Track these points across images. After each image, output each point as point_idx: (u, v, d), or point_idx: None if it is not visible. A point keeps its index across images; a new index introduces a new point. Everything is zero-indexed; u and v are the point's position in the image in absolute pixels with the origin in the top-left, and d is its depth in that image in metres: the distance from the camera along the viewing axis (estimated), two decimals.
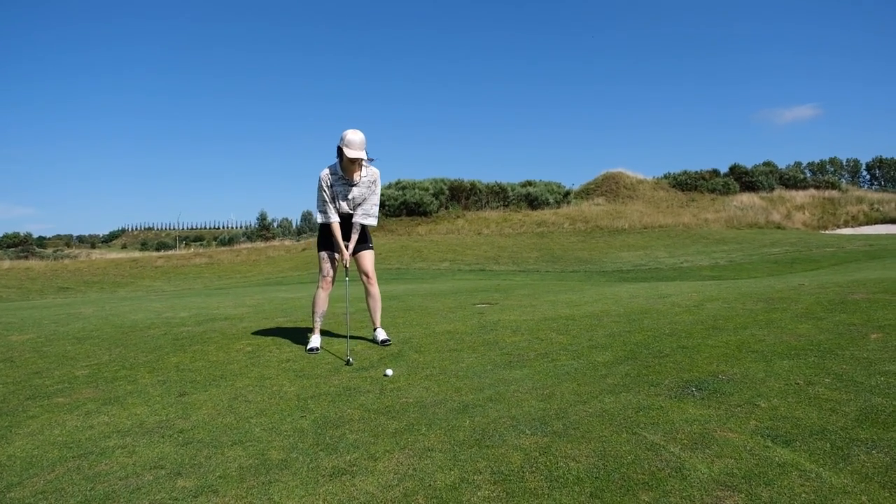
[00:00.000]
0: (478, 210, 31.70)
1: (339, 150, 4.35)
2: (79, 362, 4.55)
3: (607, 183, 36.29)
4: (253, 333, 5.34)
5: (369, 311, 4.80)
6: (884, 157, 78.02)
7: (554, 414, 2.91)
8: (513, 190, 33.12)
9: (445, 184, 32.04)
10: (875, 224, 30.19)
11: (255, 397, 3.52)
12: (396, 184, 31.29)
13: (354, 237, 4.58)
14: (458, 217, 30.20)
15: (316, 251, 4.79)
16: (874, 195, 36.51)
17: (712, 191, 35.94)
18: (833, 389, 2.93)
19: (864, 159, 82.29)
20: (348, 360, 4.16)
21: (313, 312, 4.73)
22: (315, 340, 4.63)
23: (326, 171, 4.47)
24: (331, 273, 4.67)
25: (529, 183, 34.46)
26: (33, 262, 27.58)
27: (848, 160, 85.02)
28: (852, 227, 30.20)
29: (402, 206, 30.00)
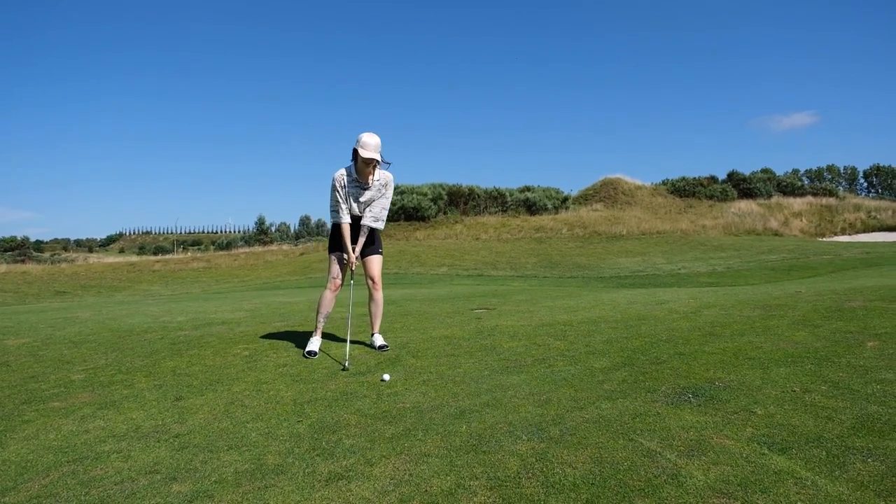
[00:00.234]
0: (476, 215, 31.73)
1: (355, 152, 4.36)
2: (75, 366, 4.54)
3: (605, 189, 36.37)
4: (250, 338, 5.33)
5: (370, 315, 4.80)
6: (881, 164, 78.18)
7: (551, 420, 2.91)
8: (511, 195, 33.17)
9: (444, 189, 32.08)
10: (872, 232, 30.26)
11: (252, 402, 3.52)
12: (395, 189, 31.30)
13: (362, 240, 4.59)
14: (457, 222, 30.22)
15: (327, 253, 4.78)
16: (872, 203, 36.62)
17: (710, 197, 36.03)
18: (829, 397, 2.93)
19: (862, 167, 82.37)
20: (345, 365, 4.13)
21: (318, 312, 4.71)
22: (315, 343, 4.61)
23: (342, 171, 4.47)
24: (340, 275, 4.66)
25: (528, 188, 34.52)
26: (30, 266, 27.53)
27: (845, 168, 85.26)
28: (849, 234, 30.29)
29: (400, 210, 30.02)
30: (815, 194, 38.07)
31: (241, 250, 31.47)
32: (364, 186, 4.50)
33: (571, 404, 3.12)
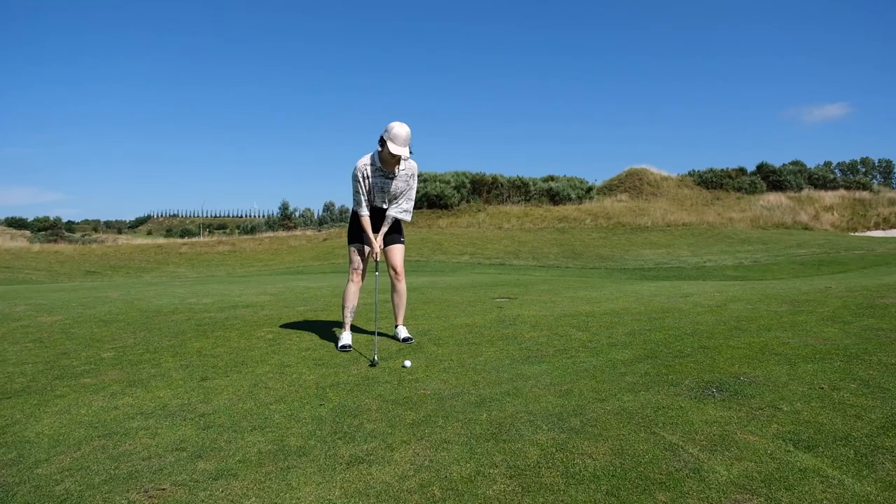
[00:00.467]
0: (499, 204, 31.61)
1: (382, 141, 4.17)
2: (105, 345, 4.66)
3: (631, 179, 35.88)
4: (274, 321, 5.41)
5: (393, 306, 4.70)
6: None
7: (572, 410, 2.90)
8: (535, 184, 32.93)
9: (467, 177, 31.99)
10: None
11: (275, 384, 3.57)
12: (418, 176, 31.32)
13: (384, 229, 4.44)
14: (479, 211, 30.14)
15: (347, 243, 4.63)
16: None
17: (738, 189, 35.32)
18: (859, 395, 2.87)
19: None
20: (373, 360, 3.98)
21: (343, 307, 4.56)
22: (346, 337, 4.47)
23: (365, 160, 4.30)
24: (361, 265, 4.53)
25: (552, 178, 34.24)
26: (62, 246, 28.25)
27: (880, 160, 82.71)
28: (883, 229, 29.46)
29: (423, 198, 30.03)
30: (847, 187, 37.08)
31: (265, 235, 31.84)
32: (389, 176, 4.34)
33: (593, 395, 3.10)
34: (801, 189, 35.65)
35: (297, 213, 41.97)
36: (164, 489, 2.30)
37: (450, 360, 3.94)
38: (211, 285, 9.70)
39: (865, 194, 35.09)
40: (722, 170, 37.33)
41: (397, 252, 4.59)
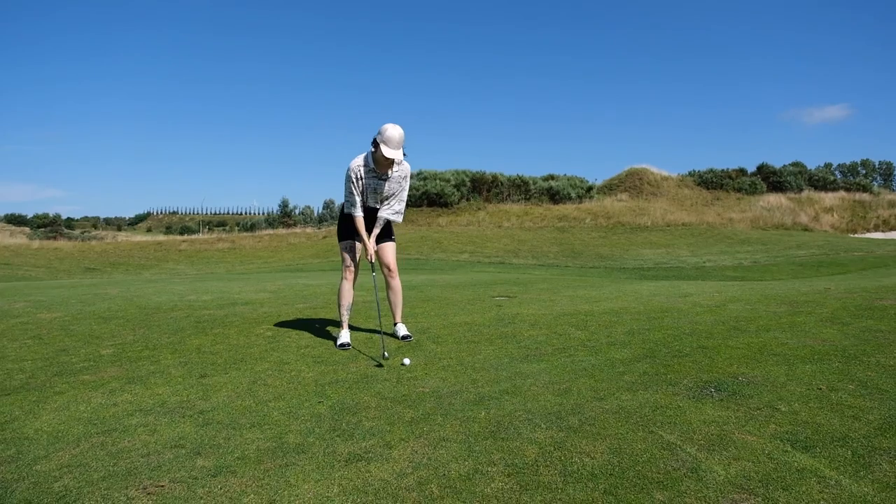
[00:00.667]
0: (499, 203, 31.61)
1: (375, 143, 4.15)
2: (104, 341, 4.66)
3: (631, 179, 35.87)
4: (273, 319, 5.41)
5: (390, 304, 4.70)
6: None
7: (570, 409, 2.90)
8: (535, 183, 32.93)
9: (467, 175, 31.98)
10: None
11: (274, 381, 3.58)
12: (418, 174, 31.32)
13: (376, 231, 4.46)
14: (479, 209, 30.14)
15: (337, 241, 4.69)
16: None
17: (738, 190, 35.33)
18: (857, 396, 2.87)
19: None
20: (382, 358, 3.95)
21: (340, 306, 4.57)
22: (344, 336, 4.48)
23: (359, 161, 4.29)
24: (353, 263, 4.56)
25: (552, 177, 34.24)
26: (62, 243, 28.26)
27: (881, 162, 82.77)
28: (883, 231, 29.48)
29: (423, 196, 30.03)
30: (847, 189, 37.08)
31: (264, 232, 31.84)
32: (382, 177, 4.34)
33: (591, 394, 3.11)
34: (801, 190, 35.65)
35: (296, 211, 42.01)
36: (162, 486, 2.30)
37: (449, 359, 3.95)
38: (210, 282, 9.70)
39: (865, 196, 35.09)
40: (722, 170, 37.34)
41: (389, 250, 4.62)
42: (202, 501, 2.19)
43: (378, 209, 4.48)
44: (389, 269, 4.61)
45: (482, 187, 32.39)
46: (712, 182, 36.27)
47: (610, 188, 35.31)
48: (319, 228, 32.64)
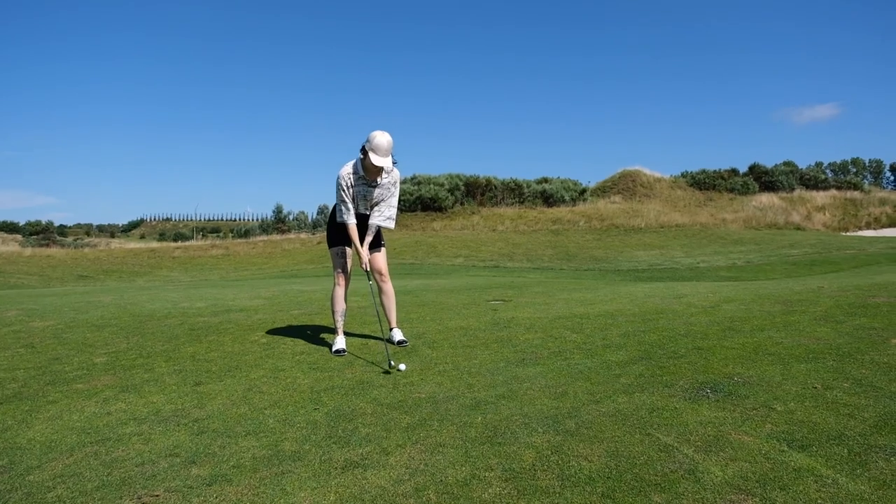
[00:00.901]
0: (493, 206, 31.64)
1: (364, 150, 4.16)
2: (97, 350, 4.63)
3: (624, 181, 36.00)
4: (268, 325, 5.39)
5: (384, 309, 4.68)
6: None
7: (566, 413, 2.90)
8: (528, 187, 32.99)
9: (461, 179, 32.01)
10: None
11: (270, 389, 3.56)
12: (412, 179, 31.33)
13: (369, 238, 4.45)
14: (473, 213, 30.16)
15: (328, 247, 4.67)
16: None
17: (731, 190, 35.51)
18: (852, 394, 2.88)
19: (888, 160, 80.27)
20: (388, 365, 3.89)
21: (333, 312, 4.58)
22: (340, 342, 4.46)
23: (348, 169, 4.30)
24: (345, 269, 4.56)
25: (545, 180, 34.31)
26: (54, 250, 28.09)
27: (871, 161, 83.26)
28: (874, 229, 29.68)
29: (417, 201, 30.03)
30: (838, 188, 37.32)
31: (259, 238, 31.75)
32: (372, 184, 4.34)
33: (587, 397, 3.11)
34: (792, 189, 35.86)
35: (291, 217, 41.87)
36: (157, 495, 2.28)
37: (444, 364, 3.94)
38: (204, 289, 9.65)
39: (856, 194, 35.33)
40: (714, 171, 37.52)
41: (380, 256, 4.63)
42: None
43: (368, 215, 4.48)
44: (381, 274, 4.62)
45: (476, 191, 32.42)
46: (705, 183, 36.45)
47: (603, 190, 35.42)
48: (314, 234, 32.56)
